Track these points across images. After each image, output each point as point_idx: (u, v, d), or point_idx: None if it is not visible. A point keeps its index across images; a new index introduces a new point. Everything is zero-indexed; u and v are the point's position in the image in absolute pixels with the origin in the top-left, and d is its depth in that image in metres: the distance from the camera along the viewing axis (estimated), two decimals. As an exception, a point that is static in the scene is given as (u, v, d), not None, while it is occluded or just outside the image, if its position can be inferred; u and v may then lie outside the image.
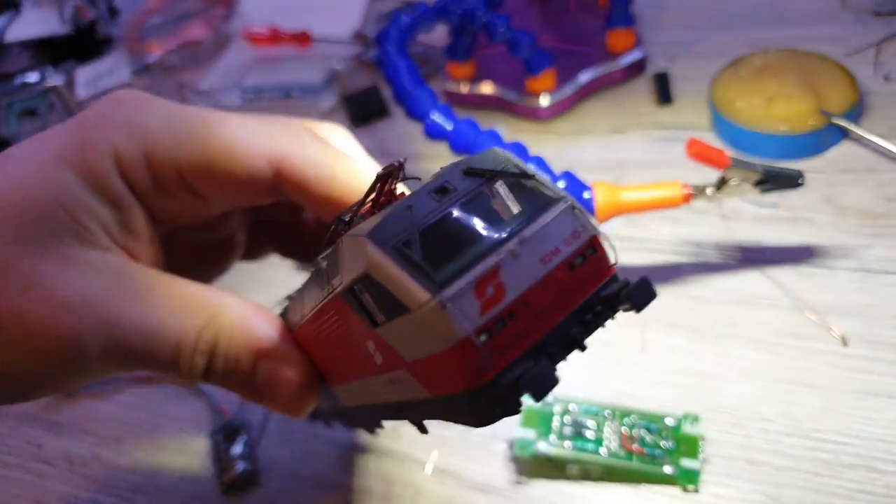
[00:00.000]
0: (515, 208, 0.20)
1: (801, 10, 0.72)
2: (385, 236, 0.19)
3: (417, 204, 0.20)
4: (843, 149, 0.59)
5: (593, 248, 0.20)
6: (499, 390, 0.19)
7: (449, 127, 0.51)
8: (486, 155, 0.21)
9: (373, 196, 0.25)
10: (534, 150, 0.66)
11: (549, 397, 0.47)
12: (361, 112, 0.72)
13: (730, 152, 0.46)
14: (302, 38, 0.85)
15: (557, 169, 0.63)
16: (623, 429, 0.45)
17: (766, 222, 0.55)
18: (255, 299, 0.32)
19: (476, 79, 0.71)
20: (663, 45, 0.73)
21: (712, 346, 0.49)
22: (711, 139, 0.62)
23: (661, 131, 0.65)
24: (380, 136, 0.72)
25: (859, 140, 0.58)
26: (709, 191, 0.46)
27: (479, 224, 0.19)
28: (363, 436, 0.50)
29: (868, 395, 0.44)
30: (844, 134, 0.59)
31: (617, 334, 0.51)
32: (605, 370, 0.49)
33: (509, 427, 0.46)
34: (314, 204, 0.33)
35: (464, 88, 0.71)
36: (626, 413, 0.45)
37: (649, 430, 0.45)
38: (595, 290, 0.21)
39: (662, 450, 0.44)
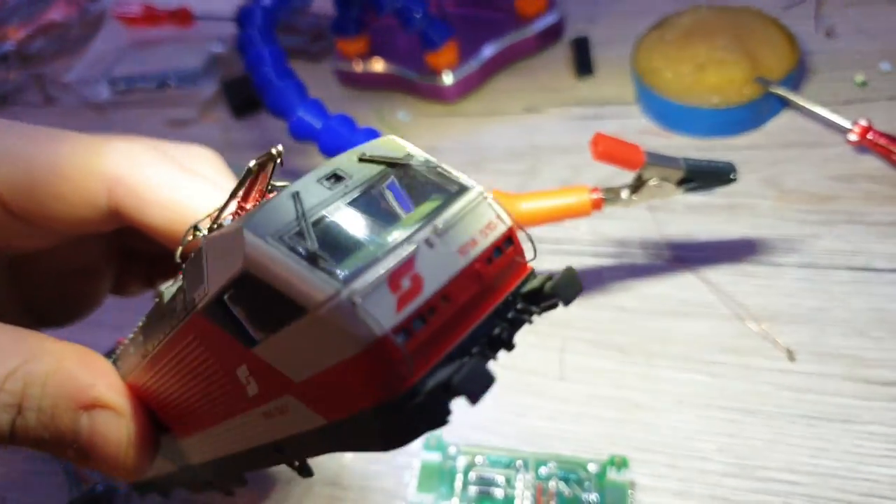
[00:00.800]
0: (423, 197, 0.18)
1: (734, -42, 0.64)
2: (268, 227, 0.16)
3: (305, 192, 0.17)
4: (784, 120, 0.52)
5: (510, 239, 0.19)
6: (424, 397, 0.16)
7: (318, 125, 0.43)
8: (382, 142, 0.19)
9: (240, 195, 0.21)
10: (438, 138, 0.58)
11: (452, 449, 0.40)
12: (242, 100, 0.63)
13: (655, 140, 0.39)
14: (181, 17, 0.76)
15: (464, 161, 0.56)
16: (538, 482, 0.38)
17: (699, 212, 0.48)
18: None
19: (371, 56, 0.62)
20: (581, 5, 0.65)
21: (641, 369, 0.42)
22: (637, 115, 0.55)
23: (580, 108, 0.57)
24: (264, 126, 0.63)
25: (801, 109, 0.51)
26: (624, 194, 0.39)
27: (383, 213, 0.17)
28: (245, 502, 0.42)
29: (818, 421, 0.38)
30: (784, 103, 0.52)
31: (532, 359, 0.44)
32: (519, 405, 0.43)
33: (405, 487, 0.39)
34: (156, 233, 0.29)
35: (357, 67, 0.63)
36: (541, 461, 0.39)
37: (569, 481, 0.38)
38: (515, 287, 0.19)
39: (584, 505, 0.37)
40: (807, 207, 0.47)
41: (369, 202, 0.17)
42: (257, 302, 0.17)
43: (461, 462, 0.39)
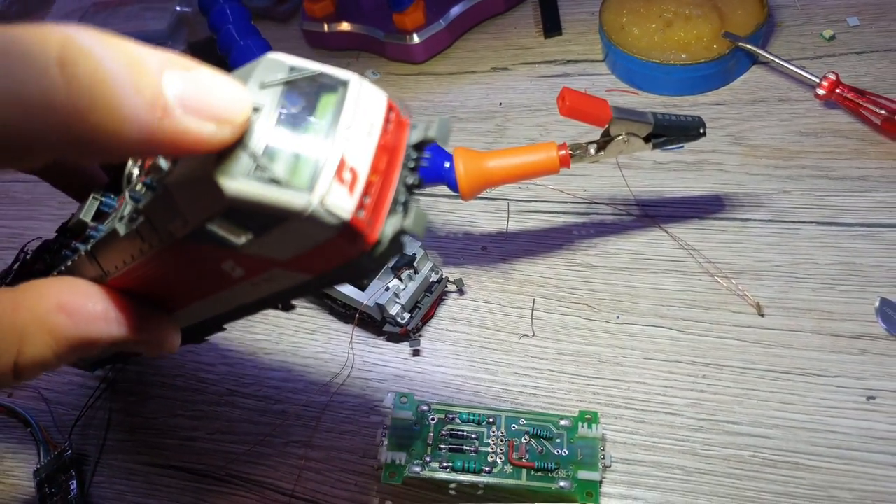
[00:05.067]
0: (317, 97, 0.21)
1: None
2: (231, 169, 0.19)
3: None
4: (753, 76, 0.50)
5: (391, 110, 0.22)
6: (388, 244, 0.21)
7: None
8: (265, 63, 0.21)
9: None
10: (409, 97, 0.56)
11: (424, 407, 0.38)
12: (210, 62, 0.59)
13: (624, 99, 0.36)
14: (146, -23, 0.71)
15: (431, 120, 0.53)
16: (510, 439, 0.36)
17: (668, 169, 0.46)
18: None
19: (338, 16, 0.59)
20: (550, -36, 0.62)
21: (611, 325, 0.41)
22: (605, 73, 0.53)
23: (548, 66, 0.55)
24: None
25: (769, 64, 0.49)
26: (592, 150, 0.37)
27: (304, 128, 0.20)
28: (218, 465, 0.40)
29: (787, 375, 0.37)
30: (753, 59, 0.50)
31: (503, 318, 0.42)
32: (492, 362, 0.41)
33: (377, 447, 0.37)
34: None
35: (325, 28, 0.59)
36: (512, 417, 0.37)
37: (540, 437, 0.36)
38: (407, 142, 0.23)
39: (556, 459, 0.35)
40: (774, 162, 0.45)
41: (286, 119, 0.20)
42: (242, 221, 0.20)
43: (433, 418, 0.37)
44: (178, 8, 0.67)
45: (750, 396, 0.37)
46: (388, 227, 0.21)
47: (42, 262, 0.36)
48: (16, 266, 0.37)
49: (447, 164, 0.37)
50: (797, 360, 0.37)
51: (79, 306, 0.26)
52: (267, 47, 0.42)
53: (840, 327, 0.38)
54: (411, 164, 0.23)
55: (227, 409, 0.43)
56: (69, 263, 0.31)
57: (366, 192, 0.20)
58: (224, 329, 0.34)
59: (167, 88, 0.18)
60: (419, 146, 0.23)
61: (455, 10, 0.57)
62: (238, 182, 0.19)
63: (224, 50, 0.42)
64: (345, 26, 0.59)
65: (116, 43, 0.19)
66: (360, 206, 0.20)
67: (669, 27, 0.50)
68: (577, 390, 0.39)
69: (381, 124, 0.21)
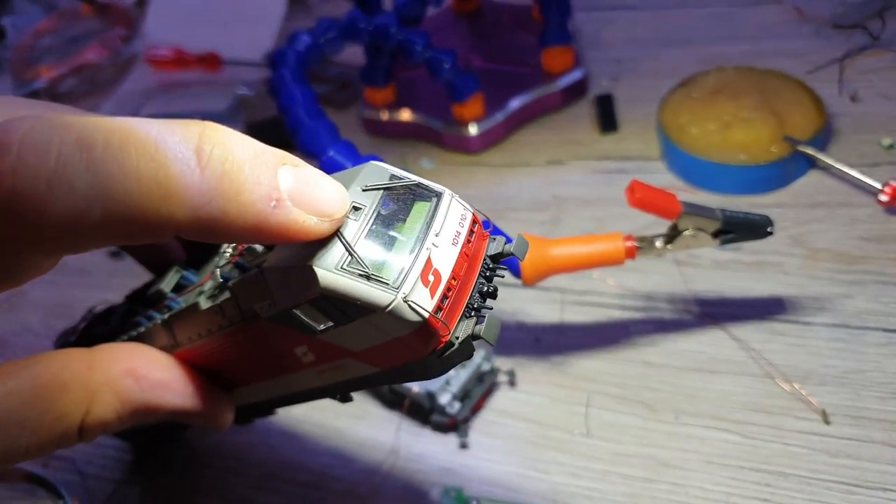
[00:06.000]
0: (411, 203, 0.22)
1: (756, 23, 0.63)
2: (329, 262, 0.21)
3: (342, 227, 0.22)
4: (811, 180, 0.50)
5: (475, 223, 0.24)
6: (459, 345, 0.22)
7: (349, 166, 0.40)
8: (368, 169, 0.23)
9: None
10: (463, 186, 0.56)
11: (474, 501, 0.36)
12: (267, 143, 0.60)
13: (682, 196, 0.36)
14: (210, 61, 0.74)
15: (487, 209, 0.54)
16: (563, 543, 0.34)
17: (727, 268, 0.46)
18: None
19: (398, 105, 0.61)
20: (606, 64, 0.63)
21: (669, 426, 0.39)
22: (662, 171, 0.53)
23: (604, 162, 0.55)
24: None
25: (828, 170, 0.49)
26: (658, 243, 0.36)
27: (397, 230, 0.22)
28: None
29: (857, 489, 0.35)
30: (811, 163, 0.50)
31: (557, 414, 0.41)
32: (544, 460, 0.39)
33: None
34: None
35: (384, 116, 0.61)
36: (566, 520, 0.35)
37: (596, 543, 0.34)
38: (485, 252, 0.24)
39: (612, 570, 0.33)
40: (836, 267, 0.44)
41: (385, 223, 0.22)
42: (327, 309, 0.22)
43: (483, 517, 0.36)
44: (239, 91, 0.69)
45: (819, 511, 0.35)
46: (460, 329, 0.22)
47: (104, 324, 0.37)
48: (82, 325, 0.39)
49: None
50: (868, 472, 0.35)
51: (146, 373, 0.27)
52: (333, 129, 0.43)
53: (915, 441, 0.36)
54: (487, 274, 0.24)
55: (264, 494, 0.41)
56: (142, 330, 0.32)
57: (445, 295, 0.22)
58: (274, 413, 0.34)
59: (281, 182, 0.20)
60: (496, 258, 0.24)
61: (514, 104, 0.58)
62: (332, 274, 0.21)
63: (292, 130, 0.43)
64: (404, 115, 0.60)
65: (242, 137, 0.20)
66: (439, 307, 0.21)
67: (728, 128, 0.51)
68: (633, 493, 0.37)
69: (466, 235, 0.23)
